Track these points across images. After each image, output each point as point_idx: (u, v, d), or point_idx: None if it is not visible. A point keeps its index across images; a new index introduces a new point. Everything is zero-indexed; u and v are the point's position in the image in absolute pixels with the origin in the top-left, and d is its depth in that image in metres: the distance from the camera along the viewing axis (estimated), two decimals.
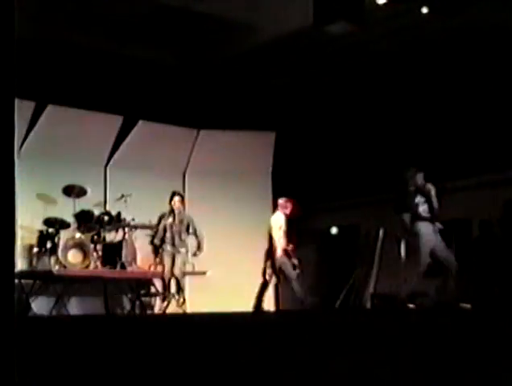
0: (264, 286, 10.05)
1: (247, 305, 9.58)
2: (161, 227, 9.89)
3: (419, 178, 8.95)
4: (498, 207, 10.24)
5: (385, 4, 9.62)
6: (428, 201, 8.76)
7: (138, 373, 2.55)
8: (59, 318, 8.42)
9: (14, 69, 2.12)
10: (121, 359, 2.95)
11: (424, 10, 9.86)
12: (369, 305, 11.66)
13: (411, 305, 9.57)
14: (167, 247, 9.85)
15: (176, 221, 9.91)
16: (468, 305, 8.92)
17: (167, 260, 9.81)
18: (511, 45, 10.04)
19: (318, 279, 13.19)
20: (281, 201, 10.23)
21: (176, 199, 9.99)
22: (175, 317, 8.60)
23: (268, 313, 8.35)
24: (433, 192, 8.78)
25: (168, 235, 9.83)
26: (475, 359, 2.88)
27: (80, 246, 10.01)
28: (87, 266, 9.98)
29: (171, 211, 9.94)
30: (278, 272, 9.98)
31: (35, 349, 2.74)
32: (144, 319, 7.88)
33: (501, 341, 3.65)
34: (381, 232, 12.34)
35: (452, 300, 8.85)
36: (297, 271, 9.93)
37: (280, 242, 9.95)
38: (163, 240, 9.83)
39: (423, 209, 8.80)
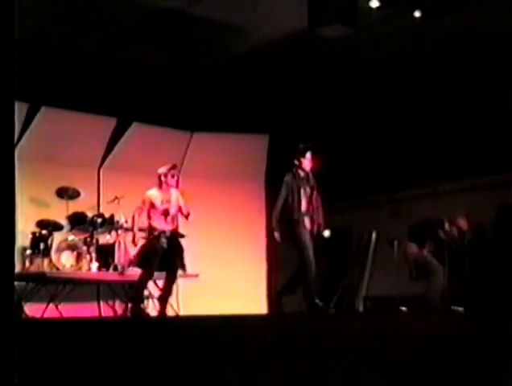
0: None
1: (240, 308, 9.59)
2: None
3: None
4: (491, 211, 10.29)
5: (378, 7, 9.67)
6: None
7: (131, 375, 2.55)
8: (57, 321, 8.41)
9: (13, 70, 2.13)
10: (115, 361, 2.96)
11: (417, 13, 9.92)
12: (361, 308, 11.70)
13: (404, 308, 9.60)
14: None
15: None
16: (461, 309, 8.95)
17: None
18: (504, 49, 10.07)
19: None
20: None
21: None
22: (168, 320, 8.60)
23: (261, 316, 8.34)
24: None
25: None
26: (467, 362, 2.89)
27: (73, 248, 9.99)
28: (80, 268, 9.96)
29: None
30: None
31: (33, 351, 2.74)
32: (138, 322, 7.87)
33: (493, 344, 3.66)
34: (373, 235, 12.37)
35: (445, 303, 8.87)
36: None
37: None
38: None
39: None
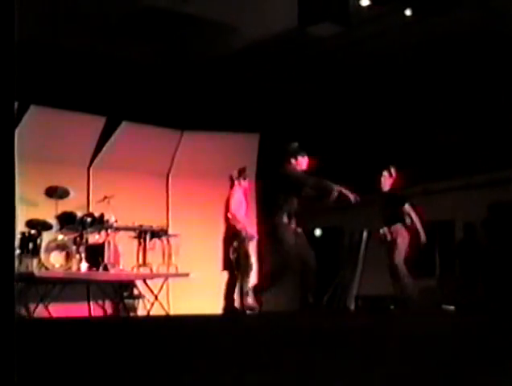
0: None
1: None
2: None
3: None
4: (482, 209, 10.32)
5: (369, 6, 9.68)
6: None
7: (128, 374, 2.54)
8: (54, 321, 8.37)
9: (13, 70, 2.10)
10: (113, 360, 2.94)
11: (408, 12, 9.94)
12: (353, 306, 11.71)
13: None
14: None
15: None
16: (452, 307, 8.99)
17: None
18: (496, 46, 10.11)
19: None
20: None
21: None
22: (159, 319, 8.59)
23: (252, 314, 8.33)
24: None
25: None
26: (458, 361, 2.89)
27: (62, 248, 9.92)
28: (69, 268, 9.91)
29: None
30: None
31: (30, 350, 2.71)
32: (129, 321, 7.85)
33: (484, 342, 3.67)
34: (364, 234, 12.37)
35: (436, 302, 8.91)
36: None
37: None
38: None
39: None
